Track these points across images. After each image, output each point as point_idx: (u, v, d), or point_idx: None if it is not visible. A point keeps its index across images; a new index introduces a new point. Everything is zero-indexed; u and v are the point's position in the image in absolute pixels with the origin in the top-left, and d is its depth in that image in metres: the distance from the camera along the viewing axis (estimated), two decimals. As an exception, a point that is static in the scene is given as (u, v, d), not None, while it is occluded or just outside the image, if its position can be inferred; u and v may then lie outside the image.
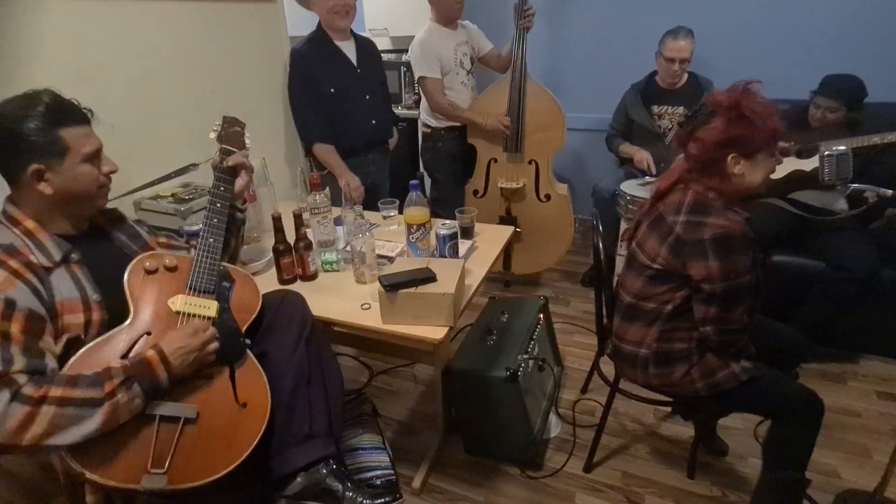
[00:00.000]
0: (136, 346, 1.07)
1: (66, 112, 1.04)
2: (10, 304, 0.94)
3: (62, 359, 1.00)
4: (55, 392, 0.91)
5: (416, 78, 2.49)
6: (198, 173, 1.72)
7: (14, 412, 0.87)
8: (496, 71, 2.59)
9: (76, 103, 1.07)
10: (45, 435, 0.89)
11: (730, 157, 1.19)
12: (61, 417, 0.90)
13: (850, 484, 1.57)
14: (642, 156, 2.49)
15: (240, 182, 1.32)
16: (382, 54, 2.44)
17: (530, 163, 2.51)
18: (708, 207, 1.22)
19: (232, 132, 1.33)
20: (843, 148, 1.32)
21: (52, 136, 1.01)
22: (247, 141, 1.36)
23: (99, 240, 1.18)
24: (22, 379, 0.90)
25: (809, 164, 1.89)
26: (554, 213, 2.57)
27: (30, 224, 1.04)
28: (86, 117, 1.08)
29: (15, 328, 0.93)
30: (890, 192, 1.27)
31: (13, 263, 0.97)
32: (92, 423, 0.93)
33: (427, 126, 2.62)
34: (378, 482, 1.49)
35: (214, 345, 1.11)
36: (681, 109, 2.47)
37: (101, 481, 0.95)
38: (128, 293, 1.11)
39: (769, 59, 2.68)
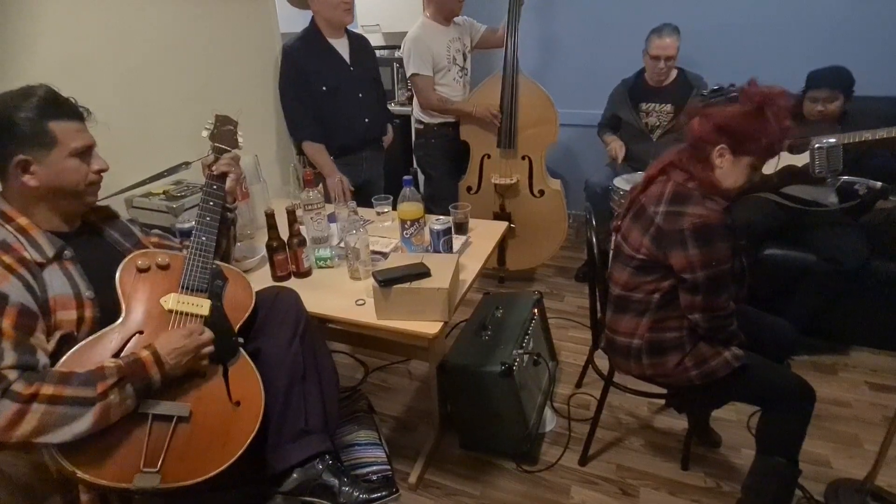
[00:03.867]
0: (129, 345, 1.06)
1: (58, 106, 1.04)
2: (3, 299, 0.93)
3: (55, 356, 1.00)
4: (46, 390, 0.90)
5: (407, 75, 2.48)
6: (189, 170, 1.70)
7: (3, 409, 0.86)
8: (497, 47, 2.53)
9: (73, 101, 1.07)
10: (35, 433, 0.88)
11: (718, 147, 1.20)
12: (51, 416, 0.89)
13: (842, 473, 1.59)
14: (614, 144, 2.56)
15: (228, 183, 1.32)
16: (374, 51, 2.43)
17: (523, 158, 2.51)
18: (687, 198, 1.23)
19: (224, 130, 1.33)
20: (833, 140, 1.33)
21: (41, 128, 1.01)
22: (239, 139, 1.36)
23: (91, 237, 1.17)
24: (12, 375, 0.90)
25: (801, 161, 1.90)
26: (547, 208, 2.57)
27: (23, 221, 1.03)
28: (79, 113, 1.07)
29: (6, 323, 0.93)
30: (879, 184, 1.29)
31: (7, 258, 0.97)
32: (83, 423, 0.92)
33: (420, 122, 2.61)
34: (374, 477, 1.49)
35: (209, 348, 1.10)
36: (668, 107, 2.47)
37: (93, 480, 0.95)
38: (119, 291, 1.10)
39: (759, 54, 2.69)
